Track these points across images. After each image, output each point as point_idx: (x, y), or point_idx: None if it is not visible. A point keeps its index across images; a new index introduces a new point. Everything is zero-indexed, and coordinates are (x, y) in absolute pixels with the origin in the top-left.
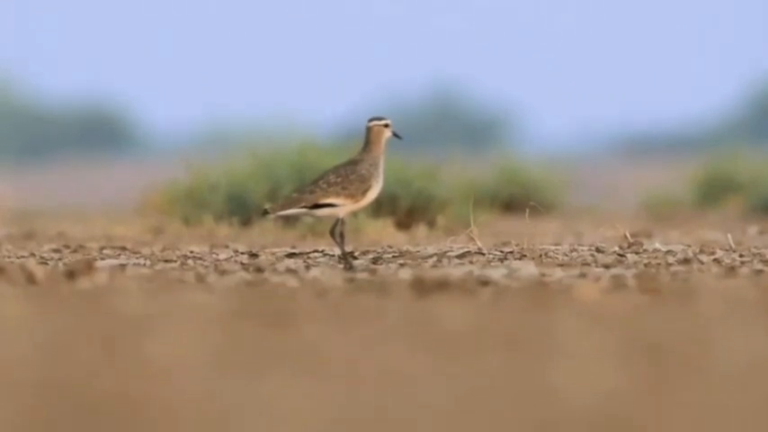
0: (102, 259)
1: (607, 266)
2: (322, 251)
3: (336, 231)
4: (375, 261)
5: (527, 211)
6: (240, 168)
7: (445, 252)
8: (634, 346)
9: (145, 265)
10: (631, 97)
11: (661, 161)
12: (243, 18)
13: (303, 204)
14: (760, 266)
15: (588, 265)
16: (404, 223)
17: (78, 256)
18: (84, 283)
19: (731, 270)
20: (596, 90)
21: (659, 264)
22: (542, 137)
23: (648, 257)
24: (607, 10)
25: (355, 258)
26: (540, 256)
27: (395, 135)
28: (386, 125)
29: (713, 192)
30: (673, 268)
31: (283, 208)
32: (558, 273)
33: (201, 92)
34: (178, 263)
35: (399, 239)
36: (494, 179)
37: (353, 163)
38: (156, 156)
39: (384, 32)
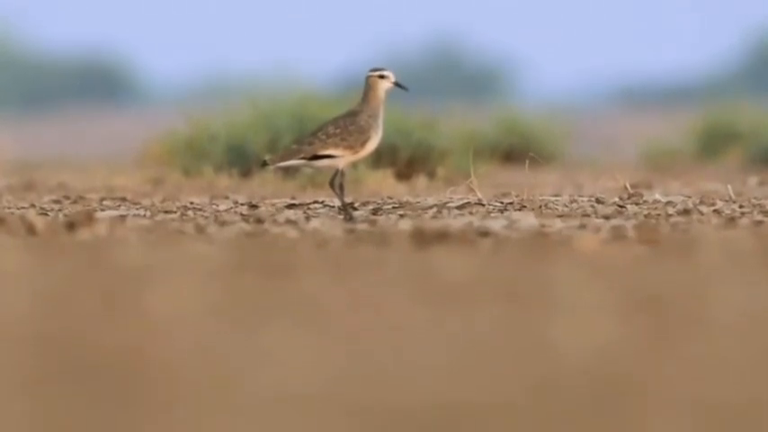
0: (102, 210)
1: (607, 217)
2: (322, 202)
3: (336, 182)
4: (375, 212)
5: (527, 162)
6: (240, 119)
7: (445, 203)
8: (633, 298)
9: (145, 216)
10: (631, 48)
11: (661, 112)
12: None
13: (302, 155)
14: (760, 217)
15: (588, 216)
16: (404, 174)
17: (78, 207)
18: (84, 234)
19: (731, 221)
20: (595, 41)
21: (659, 215)
22: (542, 88)
23: (648, 208)
24: None
25: (355, 209)
26: (540, 207)
27: (399, 86)
28: (381, 76)
29: (713, 142)
30: (673, 219)
31: (282, 159)
32: (558, 224)
33: (201, 43)
34: (178, 214)
35: (399, 190)
36: (493, 130)
37: (352, 114)
38: (156, 106)
39: None
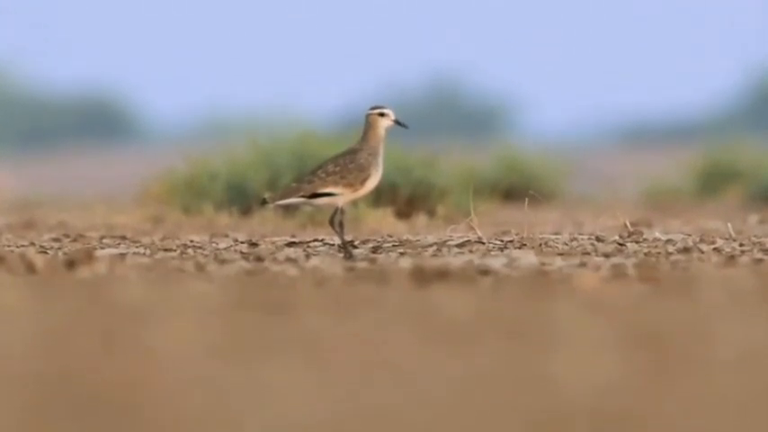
0: (102, 248)
1: (607, 255)
2: (322, 240)
3: (336, 220)
4: (375, 250)
5: (527, 200)
6: (240, 157)
7: (445, 241)
8: (634, 336)
9: (145, 254)
10: (631, 86)
11: (661, 150)
12: (243, 7)
13: (302, 194)
14: (760, 255)
15: (588, 254)
16: (404, 212)
17: (78, 246)
18: (83, 272)
19: (731, 259)
20: (596, 79)
21: (659, 253)
22: (542, 126)
23: (648, 246)
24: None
25: (355, 247)
26: (540, 245)
27: (399, 124)
28: (381, 114)
29: (713, 180)
30: (673, 257)
31: (282, 197)
32: (558, 262)
33: (202, 81)
34: (178, 252)
35: (399, 228)
36: (493, 168)
37: (352, 152)
38: (156, 145)
39: (384, 22)
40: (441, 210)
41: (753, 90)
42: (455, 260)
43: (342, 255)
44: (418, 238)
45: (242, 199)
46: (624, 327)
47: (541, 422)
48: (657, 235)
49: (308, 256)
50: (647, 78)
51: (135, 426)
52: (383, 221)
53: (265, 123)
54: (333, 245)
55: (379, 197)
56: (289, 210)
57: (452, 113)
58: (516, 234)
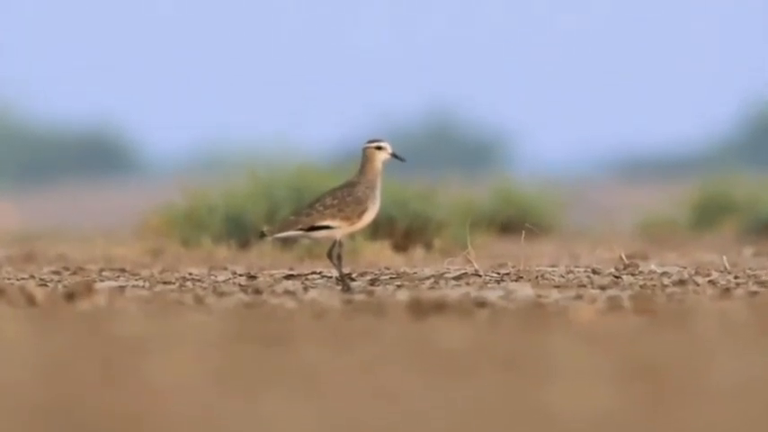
0: (102, 281)
1: (603, 288)
2: (320, 273)
3: (334, 253)
4: (372, 283)
5: (523, 233)
6: (238, 190)
7: (442, 274)
8: (630, 368)
9: (144, 286)
10: (626, 119)
11: (657, 183)
12: (240, 43)
13: (300, 227)
14: (755, 288)
15: (584, 286)
16: (401, 245)
17: (78, 278)
18: (83, 304)
19: (726, 291)
20: (591, 112)
21: (655, 285)
22: (538, 159)
23: (644, 279)
24: (601, 33)
25: (353, 280)
26: (537, 277)
27: (396, 157)
28: (378, 147)
29: (709, 214)
30: (668, 290)
31: (280, 230)
32: (555, 294)
33: (200, 115)
34: (177, 285)
35: (396, 261)
36: (490, 201)
37: (350, 185)
38: (155, 178)
39: (381, 57)
40: (438, 242)
41: (749, 124)
42: (452, 292)
43: (340, 287)
44: (415, 270)
45: (240, 232)
46: (620, 358)
47: None
48: (653, 267)
49: (306, 289)
50: (644, 111)
51: None
52: (381, 254)
53: (263, 157)
54: (331, 277)
55: (377, 230)
56: (287, 243)
57: (449, 146)
58: (513, 267)
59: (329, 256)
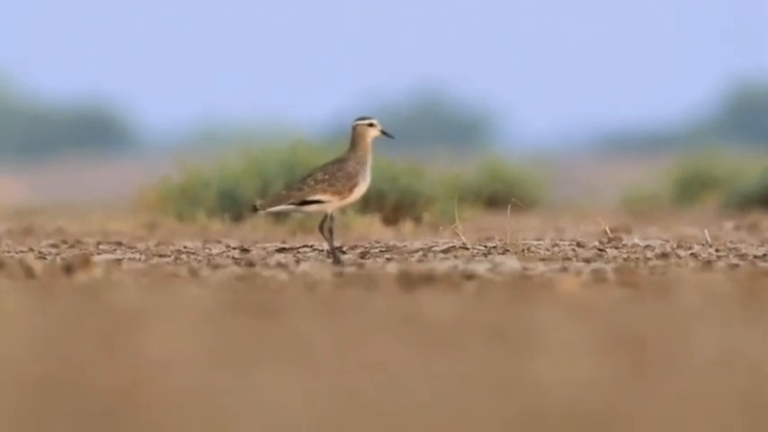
0: (99, 254)
1: (587, 261)
2: (311, 246)
3: (325, 227)
4: (363, 255)
5: (509, 207)
6: (232, 166)
7: (431, 247)
8: (613, 338)
9: (140, 259)
10: (611, 97)
11: (640, 159)
12: (235, 20)
13: (292, 201)
14: (735, 261)
15: (569, 259)
16: (391, 219)
17: (75, 251)
18: (81, 277)
19: (708, 264)
20: (577, 90)
21: (638, 258)
22: (524, 135)
23: (628, 252)
24: (586, 11)
25: (343, 253)
26: (523, 250)
27: (385, 134)
28: (370, 124)
29: (690, 188)
30: (651, 263)
31: (273, 204)
32: (540, 267)
33: (195, 92)
34: (172, 257)
35: (386, 235)
36: (477, 176)
37: (340, 161)
38: (151, 154)
39: (371, 34)
40: (426, 216)
41: (729, 99)
42: (440, 265)
43: (331, 260)
44: (405, 243)
45: (234, 206)
46: (604, 330)
47: (523, 422)
48: (636, 241)
49: (297, 262)
50: (627, 88)
51: (130, 427)
52: (371, 228)
53: (257, 133)
54: (322, 250)
55: (367, 204)
56: (279, 216)
57: (437, 123)
58: (499, 240)
59: (320, 229)
